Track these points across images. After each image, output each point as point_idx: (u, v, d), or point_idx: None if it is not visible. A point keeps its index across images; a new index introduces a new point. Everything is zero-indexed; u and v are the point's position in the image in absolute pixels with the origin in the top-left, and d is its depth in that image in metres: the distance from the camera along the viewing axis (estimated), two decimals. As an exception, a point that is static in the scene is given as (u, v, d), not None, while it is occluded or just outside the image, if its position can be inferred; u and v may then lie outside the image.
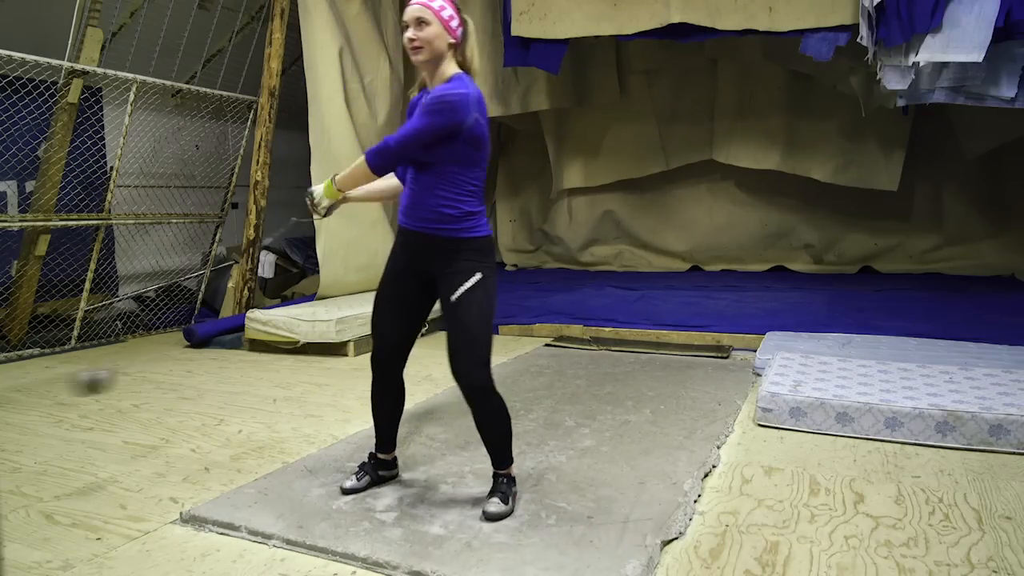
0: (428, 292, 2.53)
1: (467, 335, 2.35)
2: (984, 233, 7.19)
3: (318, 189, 2.50)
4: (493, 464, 2.50)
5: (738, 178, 7.90)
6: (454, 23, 2.35)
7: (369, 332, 5.25)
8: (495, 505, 2.40)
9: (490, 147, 2.43)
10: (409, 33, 2.33)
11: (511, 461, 2.51)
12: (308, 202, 2.53)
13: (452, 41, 2.35)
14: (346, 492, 2.60)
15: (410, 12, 2.33)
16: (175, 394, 4.13)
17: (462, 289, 2.36)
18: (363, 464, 2.69)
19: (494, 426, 2.45)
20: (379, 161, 2.30)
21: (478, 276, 2.37)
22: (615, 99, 7.71)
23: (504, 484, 2.46)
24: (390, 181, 2.59)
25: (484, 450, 2.53)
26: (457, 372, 2.36)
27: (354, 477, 2.65)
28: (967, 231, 7.26)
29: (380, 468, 2.69)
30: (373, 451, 2.70)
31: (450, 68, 2.37)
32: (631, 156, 7.99)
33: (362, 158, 2.32)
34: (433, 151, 2.31)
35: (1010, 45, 4.25)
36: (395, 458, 2.74)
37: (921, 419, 3.07)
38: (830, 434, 3.20)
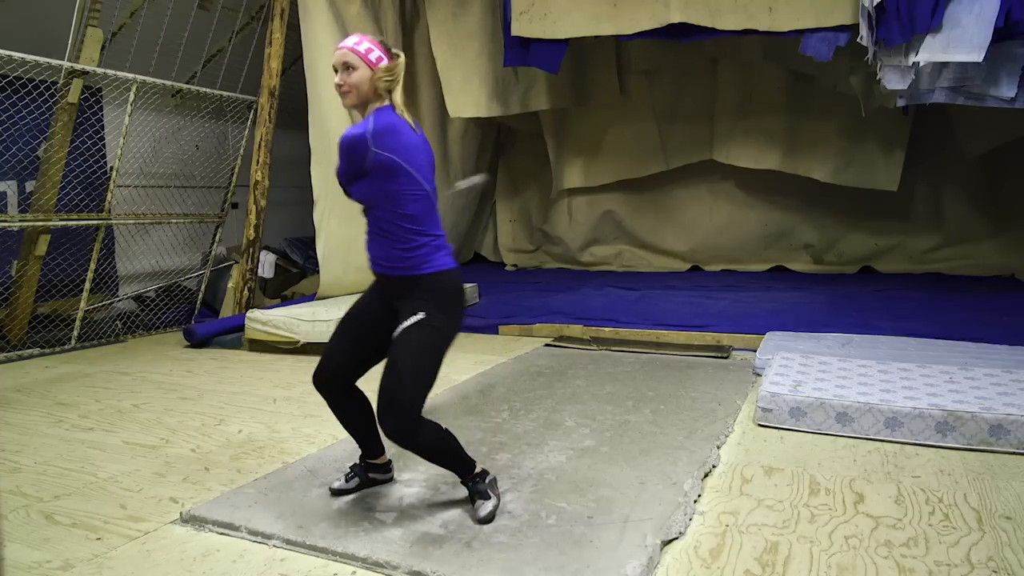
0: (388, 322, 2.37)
1: (400, 364, 2.24)
2: (984, 233, 7.19)
3: None
4: (459, 477, 2.44)
5: (738, 178, 7.90)
6: (382, 64, 2.33)
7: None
8: (482, 508, 2.38)
9: (427, 174, 2.35)
10: (336, 79, 2.33)
11: (472, 467, 2.43)
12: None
13: (373, 78, 2.32)
14: (335, 493, 2.59)
15: (337, 57, 2.33)
16: (175, 394, 4.12)
17: (408, 322, 2.27)
18: (354, 465, 2.68)
19: (438, 457, 2.39)
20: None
21: (421, 315, 2.27)
22: (615, 99, 7.70)
23: (478, 483, 2.42)
24: None
25: (483, 450, 2.55)
26: (379, 409, 2.25)
27: (343, 477, 2.64)
28: (967, 231, 7.25)
29: (371, 471, 2.66)
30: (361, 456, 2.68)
31: (374, 105, 2.35)
32: (631, 156, 7.99)
33: None
34: (366, 188, 2.31)
35: (1010, 45, 4.25)
36: (388, 462, 2.71)
37: (921, 419, 3.07)
38: (830, 434, 3.20)
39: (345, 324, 2.50)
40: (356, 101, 2.34)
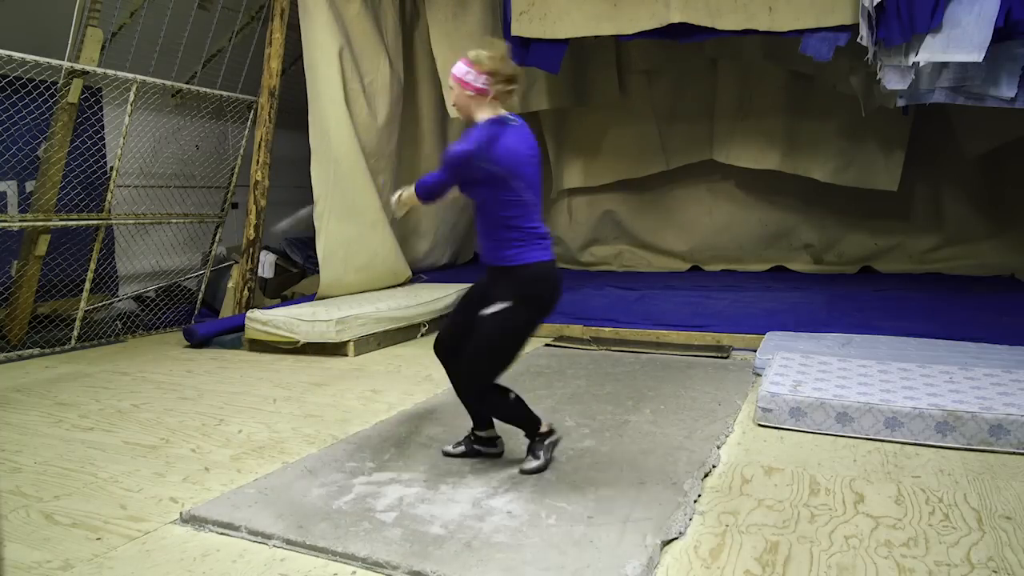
0: None
1: (476, 342, 2.65)
2: (984, 233, 7.18)
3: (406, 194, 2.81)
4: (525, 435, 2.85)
5: (738, 178, 7.89)
6: (470, 77, 2.64)
7: (369, 332, 5.26)
8: (529, 463, 2.76)
9: (529, 178, 2.64)
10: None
11: (536, 426, 2.81)
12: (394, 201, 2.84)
13: (471, 94, 2.65)
14: (445, 454, 2.96)
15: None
16: (175, 394, 4.13)
17: (491, 308, 2.64)
18: (467, 437, 2.98)
19: (501, 417, 2.85)
20: (422, 194, 2.73)
21: (506, 304, 2.62)
22: (615, 99, 7.70)
23: (537, 443, 2.80)
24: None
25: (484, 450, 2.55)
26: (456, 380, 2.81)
27: (453, 444, 2.99)
28: (967, 231, 7.25)
29: (477, 443, 2.96)
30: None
31: (480, 114, 2.67)
32: (631, 156, 7.98)
33: (412, 189, 2.75)
34: (470, 192, 2.67)
35: (1010, 45, 4.25)
36: (497, 438, 2.98)
37: (921, 419, 3.07)
38: (830, 434, 3.20)
39: (460, 300, 2.94)
40: (458, 115, 2.78)
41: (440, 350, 2.88)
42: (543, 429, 2.81)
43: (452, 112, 2.76)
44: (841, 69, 5.81)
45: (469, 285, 2.96)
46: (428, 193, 2.71)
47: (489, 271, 2.74)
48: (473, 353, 2.65)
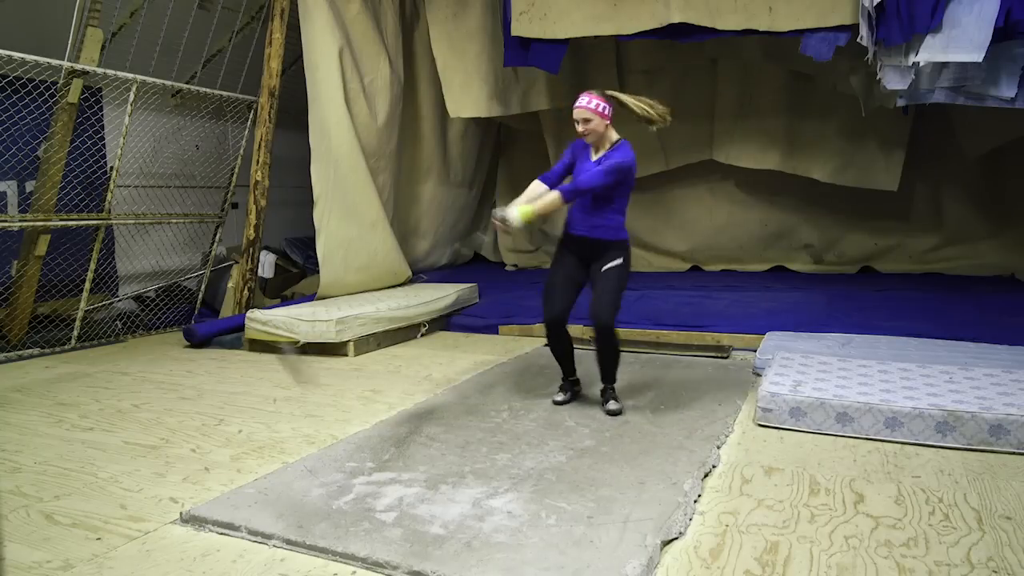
0: (586, 271, 3.59)
1: (608, 288, 3.43)
2: (984, 233, 7.18)
3: (513, 214, 3.27)
4: (603, 380, 3.62)
5: (738, 178, 7.89)
6: (603, 109, 3.39)
7: (369, 332, 5.28)
8: (613, 403, 3.52)
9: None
10: (580, 128, 3.40)
11: (615, 379, 3.63)
12: (499, 223, 3.31)
13: (607, 122, 3.44)
14: (556, 403, 3.68)
15: (577, 114, 3.39)
16: (175, 394, 4.13)
17: (610, 264, 3.47)
18: (562, 385, 3.76)
19: (611, 356, 3.56)
20: (571, 198, 3.43)
21: (620, 260, 3.49)
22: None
23: (612, 392, 3.59)
24: (542, 194, 3.48)
25: (483, 450, 2.60)
26: (596, 313, 3.40)
27: (559, 394, 3.73)
28: (967, 231, 7.25)
29: (575, 385, 3.79)
30: (564, 376, 3.77)
31: (612, 134, 3.50)
32: (631, 156, 7.97)
33: (557, 194, 3.33)
34: (607, 187, 3.40)
35: (1010, 45, 4.25)
36: (578, 379, 3.83)
37: (921, 419, 3.07)
38: (830, 434, 3.20)
39: (557, 279, 3.59)
40: (594, 140, 3.48)
41: (556, 325, 3.55)
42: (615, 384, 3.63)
43: (587, 139, 3.37)
44: (841, 69, 5.81)
45: (554, 269, 3.63)
46: (580, 194, 3.41)
47: (589, 242, 3.49)
48: (612, 293, 3.42)
